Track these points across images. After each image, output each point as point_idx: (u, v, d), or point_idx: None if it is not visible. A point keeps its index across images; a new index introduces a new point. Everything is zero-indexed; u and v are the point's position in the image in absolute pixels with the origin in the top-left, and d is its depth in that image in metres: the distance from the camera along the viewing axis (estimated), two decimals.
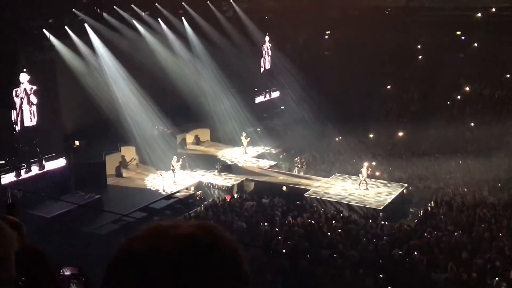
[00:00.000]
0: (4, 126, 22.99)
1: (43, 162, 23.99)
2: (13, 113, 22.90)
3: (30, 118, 23.44)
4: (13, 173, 23.00)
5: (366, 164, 25.87)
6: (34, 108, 23.50)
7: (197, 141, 33.27)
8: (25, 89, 23.13)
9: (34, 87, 23.37)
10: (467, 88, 37.44)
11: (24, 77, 23.09)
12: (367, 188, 25.32)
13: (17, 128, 23.18)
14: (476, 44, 40.18)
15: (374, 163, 27.90)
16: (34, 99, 23.44)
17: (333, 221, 21.90)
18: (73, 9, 26.37)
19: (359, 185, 25.48)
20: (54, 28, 25.08)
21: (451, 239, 19.31)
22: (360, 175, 25.63)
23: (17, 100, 22.94)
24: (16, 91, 22.89)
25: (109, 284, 1.32)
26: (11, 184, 22.50)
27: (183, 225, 1.34)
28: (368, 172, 25.58)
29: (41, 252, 3.19)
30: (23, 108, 23.19)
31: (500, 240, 18.97)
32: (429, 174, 27.75)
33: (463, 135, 32.91)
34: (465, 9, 40.18)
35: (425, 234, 20.02)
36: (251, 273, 1.36)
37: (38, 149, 23.82)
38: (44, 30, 24.46)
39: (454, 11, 40.14)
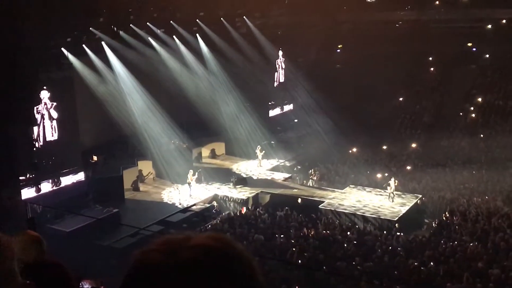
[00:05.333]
0: (24, 142, 23.49)
1: (62, 177, 24.42)
2: (35, 129, 23.45)
3: (51, 133, 24.01)
4: (33, 188, 23.45)
5: (393, 178, 26.05)
6: (54, 123, 24.06)
7: (213, 155, 33.63)
8: (45, 106, 23.70)
9: (55, 103, 23.93)
10: (480, 99, 37.48)
11: (44, 94, 23.67)
12: (393, 201, 25.44)
13: (39, 143, 23.69)
14: (487, 55, 40.32)
15: (386, 174, 28.03)
16: (54, 114, 23.99)
17: (348, 233, 22.08)
18: (90, 28, 27.02)
19: (390, 198, 25.51)
20: (72, 47, 25.72)
21: (466, 249, 19.39)
22: (388, 187, 25.76)
23: (38, 117, 23.51)
24: (37, 108, 23.47)
25: None
26: (31, 199, 22.94)
27: (196, 237, 1.35)
28: (396, 184, 25.71)
29: (61, 265, 3.21)
30: (44, 124, 23.76)
31: None
32: (443, 185, 27.76)
33: (476, 146, 32.90)
34: (476, 21, 40.43)
35: (441, 245, 20.13)
36: (266, 284, 1.37)
37: (57, 164, 24.27)
38: (62, 49, 25.09)
39: (465, 23, 40.41)
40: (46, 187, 23.82)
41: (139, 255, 1.33)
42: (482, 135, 33.64)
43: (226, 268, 1.29)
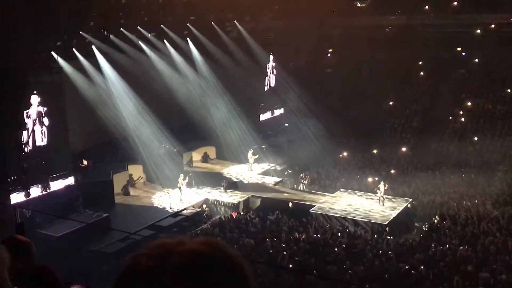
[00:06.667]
0: (13, 147, 23.30)
1: (51, 182, 24.25)
2: (24, 134, 23.29)
3: (41, 138, 23.84)
4: (22, 193, 23.25)
5: (382, 181, 26.18)
6: (45, 129, 23.91)
7: (203, 159, 33.57)
8: (36, 111, 23.54)
9: (45, 109, 23.78)
10: (469, 103, 37.73)
11: (35, 99, 23.51)
12: (383, 204, 25.53)
13: (28, 148, 23.51)
14: (476, 60, 40.65)
15: (377, 178, 28.13)
16: (46, 121, 23.84)
17: (339, 234, 22.13)
18: (80, 32, 26.92)
19: (380, 202, 25.62)
20: (62, 50, 25.60)
21: (456, 253, 19.48)
22: (378, 191, 25.86)
23: (28, 121, 23.34)
24: (27, 113, 23.30)
25: None
26: (20, 203, 22.71)
27: (188, 242, 1.33)
28: (386, 188, 25.81)
29: (50, 270, 3.22)
30: (34, 129, 23.58)
31: (505, 254, 19.13)
32: (433, 189, 27.88)
33: (465, 150, 33.09)
34: (465, 26, 40.75)
35: (431, 248, 20.21)
36: None
37: (47, 168, 24.09)
38: (52, 53, 24.95)
39: (454, 28, 40.72)
40: (36, 191, 23.60)
41: (130, 259, 1.31)
42: (476, 138, 33.74)
43: (217, 275, 1.28)
